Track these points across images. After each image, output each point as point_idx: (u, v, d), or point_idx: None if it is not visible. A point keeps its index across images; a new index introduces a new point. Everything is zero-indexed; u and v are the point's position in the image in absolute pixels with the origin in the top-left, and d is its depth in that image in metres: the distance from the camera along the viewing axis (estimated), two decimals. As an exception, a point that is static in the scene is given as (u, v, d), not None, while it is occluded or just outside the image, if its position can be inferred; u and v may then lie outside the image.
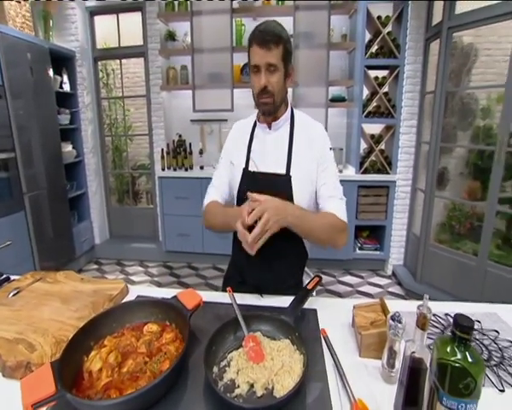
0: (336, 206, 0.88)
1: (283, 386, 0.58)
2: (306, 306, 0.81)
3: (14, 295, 0.89)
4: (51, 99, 2.56)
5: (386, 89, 2.58)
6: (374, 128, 2.74)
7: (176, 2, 2.80)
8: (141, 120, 3.88)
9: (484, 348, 0.70)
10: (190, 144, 2.95)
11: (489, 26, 2.01)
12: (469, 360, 0.41)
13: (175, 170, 2.89)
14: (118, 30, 2.99)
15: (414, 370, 0.51)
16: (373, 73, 2.56)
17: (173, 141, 3.02)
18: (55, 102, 2.60)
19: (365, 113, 2.58)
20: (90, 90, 3.02)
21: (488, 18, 1.93)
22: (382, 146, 2.70)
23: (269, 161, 0.92)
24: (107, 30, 3.04)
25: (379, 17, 2.45)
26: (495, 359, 0.67)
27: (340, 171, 2.70)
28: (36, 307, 0.82)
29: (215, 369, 0.63)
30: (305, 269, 1.05)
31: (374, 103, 2.58)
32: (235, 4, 2.69)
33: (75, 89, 2.91)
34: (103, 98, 3.41)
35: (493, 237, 2.05)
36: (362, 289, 2.57)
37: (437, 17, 2.29)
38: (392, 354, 0.60)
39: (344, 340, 0.74)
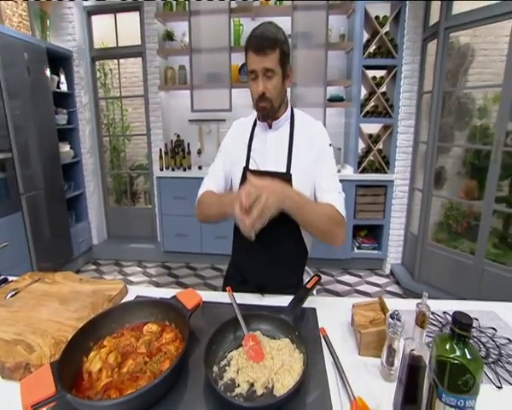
0: (336, 199, 0.87)
1: (283, 385, 0.58)
2: (306, 305, 0.82)
3: (12, 296, 0.88)
4: (48, 99, 2.55)
5: (383, 89, 2.59)
6: (372, 128, 2.75)
7: (174, 2, 2.80)
8: (139, 120, 3.87)
9: (482, 346, 0.70)
10: (188, 144, 2.95)
11: (486, 26, 2.02)
12: (468, 356, 0.42)
13: (173, 170, 2.88)
14: (115, 30, 2.98)
15: (413, 367, 0.51)
16: (371, 73, 2.57)
17: (171, 141, 3.01)
18: (52, 102, 2.59)
19: (363, 112, 2.59)
20: (87, 90, 3.01)
21: (485, 18, 1.95)
22: (380, 146, 2.71)
23: (269, 159, 0.93)
24: (105, 30, 3.02)
25: (377, 17, 2.46)
26: (492, 356, 0.67)
27: (339, 170, 2.71)
28: (34, 308, 0.81)
29: (215, 368, 0.63)
30: (306, 268, 1.05)
31: (372, 103, 2.59)
32: (233, 4, 2.69)
33: (72, 89, 2.89)
34: (101, 98, 3.40)
35: (490, 235, 2.07)
36: (360, 288, 2.58)
37: (434, 17, 2.31)
38: (392, 352, 0.61)
39: (343, 339, 0.74)
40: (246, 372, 0.61)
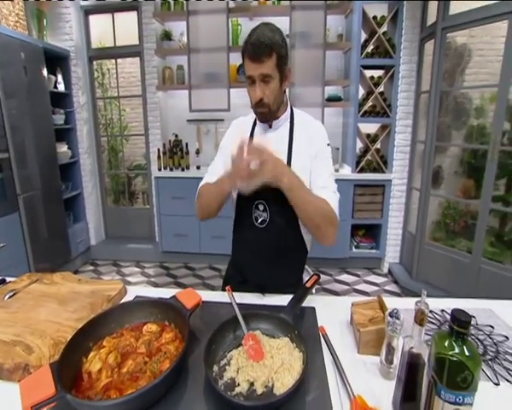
0: (330, 198, 0.86)
1: (283, 384, 0.58)
2: (305, 304, 0.82)
3: (10, 297, 0.88)
4: (45, 99, 2.54)
5: (381, 88, 2.60)
6: (369, 127, 2.76)
7: (172, 2, 2.79)
8: (137, 120, 3.86)
9: (479, 343, 0.71)
10: (187, 144, 2.94)
11: (482, 26, 2.04)
12: (467, 353, 0.42)
13: (171, 170, 2.88)
14: (113, 29, 2.97)
15: (412, 365, 0.51)
16: (368, 73, 2.58)
17: (169, 141, 3.01)
18: (49, 101, 2.57)
19: (361, 112, 2.60)
20: (85, 89, 2.99)
21: (481, 19, 1.96)
22: (378, 145, 2.72)
23: None
24: (103, 29, 3.01)
25: (374, 17, 2.47)
26: (490, 353, 0.68)
27: (337, 170, 2.71)
28: (33, 309, 0.81)
29: (215, 368, 0.63)
30: (305, 267, 1.06)
31: (369, 103, 2.60)
32: (232, 4, 2.69)
33: (70, 89, 2.88)
34: (98, 98, 3.38)
35: (487, 234, 2.09)
36: (358, 287, 2.59)
37: (431, 18, 2.32)
38: (391, 350, 0.61)
39: (342, 337, 0.74)
40: (246, 371, 0.61)
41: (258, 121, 0.98)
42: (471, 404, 0.43)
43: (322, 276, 2.73)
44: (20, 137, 2.24)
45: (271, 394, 0.57)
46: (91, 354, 0.64)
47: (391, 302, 0.76)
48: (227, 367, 0.63)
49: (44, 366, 0.55)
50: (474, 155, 2.40)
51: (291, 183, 0.78)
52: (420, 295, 0.53)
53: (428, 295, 0.53)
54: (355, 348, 0.71)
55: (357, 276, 2.76)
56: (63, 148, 2.86)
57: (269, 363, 0.62)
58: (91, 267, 3.05)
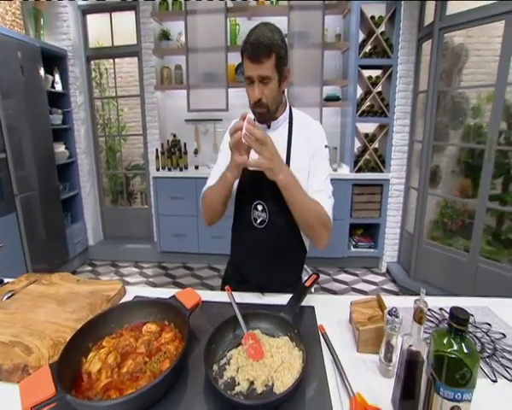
0: (325, 201, 0.87)
1: (283, 382, 0.58)
2: (304, 303, 0.82)
3: (8, 298, 0.87)
4: (43, 99, 2.52)
5: (379, 88, 2.61)
6: (368, 127, 2.77)
7: (170, 2, 2.79)
8: (135, 120, 3.85)
9: (477, 341, 0.71)
10: (185, 144, 2.94)
11: (479, 26, 2.05)
12: (465, 351, 0.43)
13: (169, 170, 2.87)
14: (111, 29, 2.96)
15: (411, 363, 0.52)
16: (366, 73, 2.58)
17: (168, 141, 3.00)
18: (46, 101, 2.56)
19: (359, 112, 2.61)
20: (82, 89, 2.98)
21: (478, 19, 1.98)
22: (376, 145, 2.73)
23: None
24: (100, 29, 3.00)
25: (372, 17, 2.48)
26: (487, 350, 0.69)
27: (335, 170, 2.72)
28: (31, 310, 0.81)
29: (215, 367, 0.64)
30: (304, 266, 1.06)
31: (367, 102, 2.61)
32: (230, 4, 2.69)
33: (67, 88, 2.86)
34: (96, 98, 3.37)
35: (484, 233, 2.10)
36: (357, 286, 2.60)
37: (429, 18, 2.33)
38: (390, 348, 0.61)
39: (342, 336, 0.75)
40: (246, 371, 0.61)
41: (256, 122, 0.98)
42: (469, 401, 0.44)
43: (320, 275, 2.75)
44: (17, 137, 2.22)
45: (271, 393, 0.58)
46: (91, 355, 0.64)
47: (389, 301, 0.76)
48: (227, 367, 0.63)
49: (44, 367, 0.55)
50: (471, 155, 2.42)
51: (287, 180, 0.79)
52: (418, 294, 0.54)
53: (426, 294, 0.53)
54: (354, 347, 0.71)
55: (356, 275, 2.77)
56: (61, 148, 2.84)
57: (269, 362, 0.62)
58: (89, 268, 3.04)
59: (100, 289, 0.90)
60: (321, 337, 0.73)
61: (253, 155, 0.88)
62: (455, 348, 0.43)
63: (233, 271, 1.07)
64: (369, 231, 2.89)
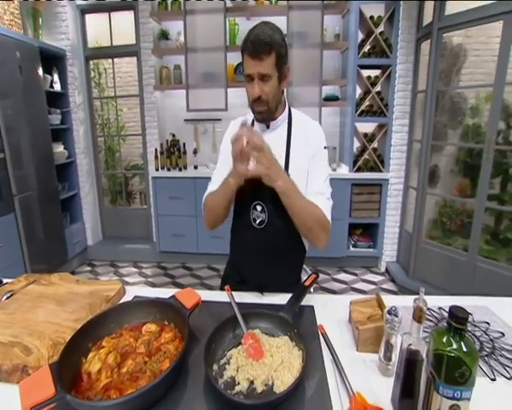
0: (323, 203, 0.88)
1: (283, 382, 0.58)
2: (304, 303, 0.83)
3: (7, 298, 0.87)
4: (41, 99, 2.52)
5: (378, 88, 2.61)
6: (367, 127, 2.77)
7: (169, 1, 2.78)
8: (134, 120, 3.84)
9: (476, 340, 0.72)
10: (184, 144, 2.93)
11: (478, 27, 2.06)
12: (464, 349, 0.43)
13: (169, 170, 2.87)
14: (110, 29, 2.95)
15: (410, 362, 0.52)
16: (365, 73, 2.59)
17: (167, 141, 3.00)
18: (45, 101, 2.55)
19: (358, 112, 2.61)
20: (81, 89, 2.97)
21: (477, 19, 1.98)
22: (375, 144, 2.73)
23: None
24: (99, 28, 2.99)
25: (371, 17, 2.48)
26: (486, 349, 0.69)
27: (334, 169, 2.72)
28: (31, 310, 0.81)
29: (215, 367, 0.64)
30: (303, 266, 1.06)
31: (366, 102, 2.62)
32: (229, 4, 2.69)
33: (66, 88, 2.86)
34: (95, 98, 3.36)
35: (482, 232, 2.11)
36: (356, 286, 2.60)
37: (428, 18, 2.33)
38: (389, 347, 0.62)
39: (341, 335, 0.75)
40: (246, 370, 0.61)
41: (256, 121, 0.98)
42: (469, 399, 0.44)
43: (320, 275, 2.75)
44: (15, 138, 2.22)
45: (271, 392, 0.58)
46: (91, 355, 0.64)
47: (389, 300, 0.76)
48: (227, 366, 0.63)
49: (44, 367, 0.55)
50: (470, 154, 2.43)
51: (285, 187, 0.80)
52: (417, 294, 0.54)
53: (425, 293, 0.53)
54: (354, 346, 0.71)
55: (355, 275, 2.77)
56: (59, 148, 2.84)
57: (268, 361, 0.62)
58: (88, 268, 3.04)
59: (99, 290, 0.90)
60: (320, 337, 0.73)
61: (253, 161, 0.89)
62: (454, 346, 0.43)
63: (232, 271, 1.07)
64: (368, 231, 2.90)
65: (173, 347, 0.66)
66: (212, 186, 1.00)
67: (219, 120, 3.02)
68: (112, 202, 3.86)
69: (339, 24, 2.80)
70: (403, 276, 2.59)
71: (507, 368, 0.64)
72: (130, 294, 0.93)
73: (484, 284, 2.03)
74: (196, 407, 0.57)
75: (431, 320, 0.79)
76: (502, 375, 0.63)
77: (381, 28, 2.50)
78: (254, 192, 0.90)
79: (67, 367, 0.58)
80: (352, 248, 2.82)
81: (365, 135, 2.73)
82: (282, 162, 0.91)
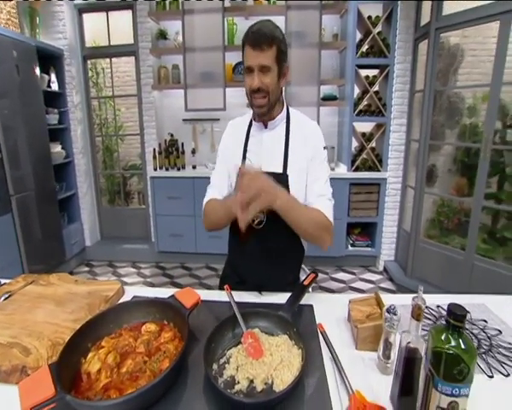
0: (325, 206, 0.89)
1: (283, 380, 0.58)
2: (303, 302, 0.83)
3: (5, 299, 0.87)
4: (39, 98, 2.50)
5: (376, 88, 2.62)
6: (365, 126, 2.78)
7: (167, 1, 2.77)
8: (132, 120, 3.83)
9: (473, 337, 0.72)
10: (182, 144, 2.93)
11: (474, 27, 2.07)
12: (462, 346, 0.43)
13: (167, 170, 2.87)
14: (108, 28, 2.94)
15: (409, 360, 0.52)
16: (364, 72, 2.60)
17: (165, 141, 2.99)
18: (42, 101, 2.54)
19: (356, 111, 2.62)
20: (79, 89, 2.96)
21: (474, 19, 1.99)
22: (373, 144, 2.74)
23: (265, 160, 0.92)
24: (97, 28, 2.98)
25: (369, 17, 2.49)
26: (484, 347, 0.69)
27: (332, 169, 2.73)
28: (29, 311, 0.80)
29: (214, 366, 0.64)
30: (302, 266, 1.06)
31: (365, 102, 2.62)
32: (227, 3, 2.69)
33: (64, 88, 2.84)
34: (93, 98, 3.35)
35: (480, 231, 2.12)
36: (354, 285, 2.61)
37: (425, 18, 2.34)
38: (388, 345, 0.62)
39: (340, 334, 0.75)
40: (245, 369, 0.61)
41: (254, 121, 0.98)
42: (467, 395, 0.44)
43: (318, 274, 2.77)
44: (12, 137, 2.20)
45: (271, 391, 0.58)
46: (90, 355, 0.64)
47: (387, 299, 0.77)
48: (226, 365, 0.64)
49: (43, 367, 0.55)
50: (467, 154, 2.44)
51: (283, 204, 0.79)
52: (415, 292, 0.54)
53: (423, 292, 0.54)
54: (353, 345, 0.72)
55: (353, 274, 2.78)
56: (57, 148, 2.82)
57: (268, 360, 0.63)
58: (86, 268, 3.02)
59: (98, 290, 0.90)
60: (320, 335, 0.73)
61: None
62: (453, 344, 0.44)
63: (231, 271, 1.07)
64: (366, 230, 2.91)
65: (173, 346, 0.66)
66: (213, 190, 1.00)
67: (218, 119, 3.02)
68: (110, 202, 3.85)
69: (337, 24, 2.81)
70: (401, 275, 2.60)
71: (504, 365, 0.65)
72: (129, 294, 0.92)
73: (481, 283, 2.05)
74: (196, 407, 0.57)
75: (429, 319, 0.80)
76: (499, 372, 0.63)
77: (378, 28, 2.51)
78: None
79: (67, 367, 0.58)
80: (350, 248, 2.83)
81: (363, 134, 2.73)
82: (280, 163, 0.91)
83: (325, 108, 2.85)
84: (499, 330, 0.75)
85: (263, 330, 0.71)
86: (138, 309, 0.75)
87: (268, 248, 0.93)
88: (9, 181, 2.17)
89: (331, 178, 0.96)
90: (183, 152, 2.90)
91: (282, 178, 0.90)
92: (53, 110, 2.74)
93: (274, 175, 0.90)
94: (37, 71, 2.47)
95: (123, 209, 3.57)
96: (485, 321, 0.78)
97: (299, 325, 0.72)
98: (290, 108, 0.98)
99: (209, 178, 1.04)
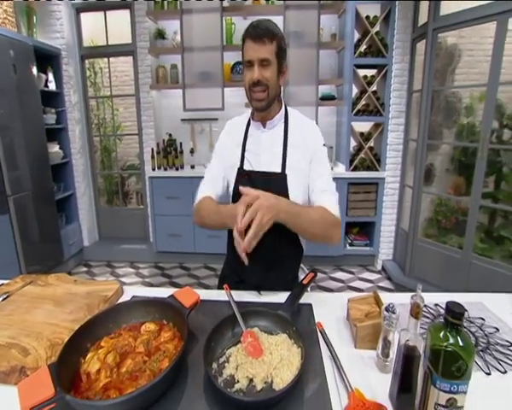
0: (329, 200, 0.88)
1: (282, 379, 0.59)
2: (302, 301, 0.83)
3: (3, 299, 0.86)
4: (36, 98, 2.49)
5: (374, 87, 2.63)
6: (363, 126, 2.79)
7: (165, 1, 2.77)
8: (130, 120, 3.82)
9: (471, 335, 0.73)
10: (181, 144, 2.93)
11: (471, 27, 2.08)
12: (461, 344, 0.44)
13: (165, 170, 2.86)
14: (105, 27, 2.93)
15: (408, 357, 0.53)
16: (362, 72, 2.60)
17: (163, 140, 2.98)
18: (40, 101, 2.53)
19: (354, 111, 2.63)
20: (76, 88, 2.95)
21: (471, 20, 2.01)
22: (371, 143, 2.75)
23: (264, 159, 0.93)
24: (95, 27, 2.97)
25: (367, 17, 2.50)
26: (481, 344, 0.70)
27: (331, 168, 2.73)
28: (28, 311, 0.80)
29: (214, 365, 0.64)
30: (301, 265, 1.06)
31: (363, 102, 2.63)
32: (226, 3, 2.68)
33: (61, 88, 2.83)
34: (91, 97, 3.33)
35: (477, 230, 2.14)
36: (353, 284, 2.62)
37: (423, 18, 2.36)
38: (387, 344, 0.62)
39: (339, 332, 0.76)
40: (245, 368, 0.61)
41: (252, 121, 0.98)
42: (465, 392, 0.45)
43: (317, 273, 2.77)
44: (9, 137, 2.19)
45: (271, 389, 0.58)
46: (89, 355, 0.64)
47: (386, 298, 0.77)
48: (226, 364, 0.64)
49: (43, 368, 0.54)
50: (465, 153, 2.46)
51: (288, 215, 0.78)
52: (413, 291, 0.55)
53: (421, 291, 0.54)
54: (352, 343, 0.72)
55: (352, 273, 2.79)
56: (55, 148, 2.81)
57: (268, 359, 0.63)
58: (85, 269, 3.01)
59: (97, 290, 0.89)
60: (319, 334, 0.73)
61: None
62: (451, 341, 0.44)
63: (230, 270, 1.07)
64: (364, 230, 2.92)
65: (172, 346, 0.66)
66: (206, 187, 1.00)
67: (216, 119, 3.02)
68: (108, 203, 3.83)
69: (335, 24, 2.81)
70: (399, 274, 2.61)
71: (501, 363, 0.65)
72: (128, 294, 0.92)
73: (478, 281, 2.06)
74: (196, 406, 0.57)
75: (428, 317, 0.80)
76: (496, 369, 0.64)
77: (376, 28, 2.52)
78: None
79: (66, 368, 0.58)
80: (348, 247, 2.84)
81: (361, 134, 2.74)
82: (278, 163, 0.91)
83: (323, 108, 2.86)
84: (496, 328, 0.75)
85: (262, 329, 0.71)
86: (137, 309, 0.75)
87: (267, 248, 0.92)
88: (6, 181, 2.16)
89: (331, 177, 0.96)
90: (181, 152, 2.90)
91: (280, 178, 0.90)
92: (50, 110, 2.73)
93: (272, 175, 0.91)
94: (35, 70, 2.45)
95: (121, 209, 3.56)
96: (482, 319, 0.79)
97: (298, 324, 0.72)
98: (288, 108, 0.98)
99: None
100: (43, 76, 2.66)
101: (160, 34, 2.86)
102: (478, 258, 2.09)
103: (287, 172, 0.90)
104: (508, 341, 0.71)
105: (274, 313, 0.73)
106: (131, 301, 0.82)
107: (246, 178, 0.92)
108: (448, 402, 0.45)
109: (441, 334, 0.45)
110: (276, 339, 0.68)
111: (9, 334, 0.71)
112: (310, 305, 0.86)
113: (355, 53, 2.53)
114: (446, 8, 2.15)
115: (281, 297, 0.83)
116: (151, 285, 2.67)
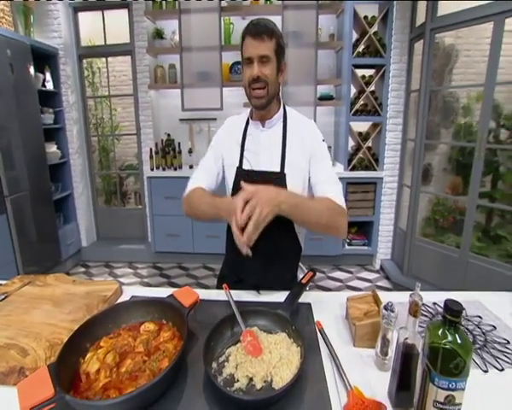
0: (333, 191, 0.87)
1: (282, 378, 0.59)
2: (301, 300, 0.83)
3: (1, 300, 0.86)
4: (33, 98, 2.47)
5: (372, 87, 2.64)
6: (361, 126, 2.80)
7: (163, 1, 2.76)
8: (128, 120, 3.81)
9: (469, 333, 0.73)
10: (179, 144, 2.92)
11: (469, 28, 2.09)
12: (459, 341, 0.44)
13: (164, 170, 2.85)
14: (103, 27, 2.92)
15: (407, 355, 0.53)
16: (360, 72, 2.61)
17: (162, 140, 2.98)
18: (37, 100, 2.51)
19: (353, 111, 2.63)
20: (74, 88, 2.93)
21: (468, 20, 2.02)
22: (369, 143, 2.76)
23: (263, 159, 0.93)
24: (93, 27, 2.96)
25: (365, 17, 2.51)
26: (479, 342, 0.71)
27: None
28: (26, 312, 0.80)
29: (214, 365, 0.64)
30: (300, 264, 1.07)
31: (361, 102, 2.64)
32: (224, 3, 2.68)
33: (59, 87, 2.81)
34: (89, 97, 3.32)
35: (474, 229, 2.15)
36: (351, 284, 2.63)
37: (421, 18, 2.37)
38: (386, 342, 0.63)
39: (338, 331, 0.76)
40: (245, 367, 0.61)
41: (251, 120, 0.98)
42: (463, 389, 0.45)
43: (316, 273, 2.78)
44: (6, 137, 2.18)
45: (270, 388, 0.58)
46: (89, 355, 0.64)
47: (384, 296, 0.78)
48: (226, 364, 0.64)
49: (42, 368, 0.54)
50: (462, 153, 2.47)
51: (290, 205, 0.76)
52: (411, 290, 0.55)
53: (420, 290, 0.54)
54: (351, 342, 0.72)
55: (350, 273, 2.80)
56: (52, 148, 2.80)
57: (267, 358, 0.63)
58: (83, 269, 3.00)
59: (96, 290, 0.89)
60: (318, 333, 0.74)
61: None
62: (449, 339, 0.45)
63: (228, 270, 1.07)
64: (362, 229, 2.93)
65: (172, 345, 0.66)
66: (199, 177, 0.99)
67: (214, 119, 3.02)
68: (106, 203, 3.82)
69: (333, 24, 2.82)
70: (397, 273, 2.62)
71: (499, 360, 0.66)
72: (128, 294, 0.92)
73: (476, 280, 2.08)
74: (196, 405, 0.57)
75: (426, 316, 0.81)
76: (494, 367, 0.64)
77: (374, 28, 2.53)
78: None
79: (66, 368, 0.58)
80: (346, 247, 2.85)
81: (360, 134, 2.75)
82: (277, 162, 0.91)
83: (322, 108, 2.87)
84: (494, 326, 0.76)
85: (262, 328, 0.71)
86: (137, 309, 0.75)
87: (265, 248, 0.93)
88: (4, 182, 2.14)
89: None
90: (179, 152, 2.89)
91: (279, 177, 0.90)
92: (48, 110, 2.72)
93: (271, 174, 0.91)
94: (32, 70, 2.44)
95: (119, 209, 3.55)
96: (479, 317, 0.80)
97: (297, 323, 0.73)
98: (287, 107, 0.98)
99: None
100: (41, 76, 2.64)
101: (159, 34, 2.85)
102: (475, 257, 2.10)
103: (286, 171, 0.91)
104: (505, 339, 0.72)
105: (273, 312, 0.74)
106: (131, 301, 0.82)
107: (245, 177, 0.92)
108: (446, 399, 0.46)
109: (439, 332, 0.46)
110: (275, 338, 0.68)
111: (8, 335, 0.71)
112: (309, 304, 0.86)
113: (353, 53, 2.53)
114: (444, 9, 2.16)
115: (280, 296, 0.83)
116: (149, 285, 2.66)
